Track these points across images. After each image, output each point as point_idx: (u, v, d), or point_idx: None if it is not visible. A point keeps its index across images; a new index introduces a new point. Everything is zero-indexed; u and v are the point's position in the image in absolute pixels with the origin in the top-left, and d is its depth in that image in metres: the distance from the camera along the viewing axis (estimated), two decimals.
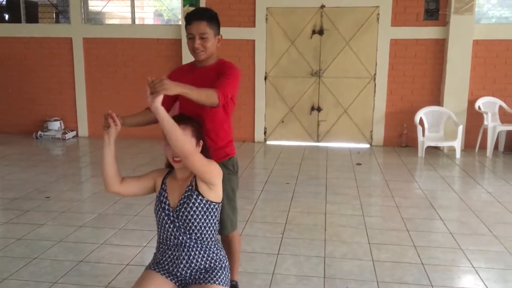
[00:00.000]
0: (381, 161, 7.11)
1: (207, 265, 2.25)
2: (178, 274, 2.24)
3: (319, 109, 8.07)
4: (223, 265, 2.30)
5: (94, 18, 8.64)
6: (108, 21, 9.14)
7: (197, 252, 2.22)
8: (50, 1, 9.32)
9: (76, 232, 4.10)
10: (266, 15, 7.86)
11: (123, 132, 2.28)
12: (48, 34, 8.51)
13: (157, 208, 2.27)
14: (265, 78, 8.05)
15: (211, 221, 2.24)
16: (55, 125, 8.44)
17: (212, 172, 2.19)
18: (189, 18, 2.56)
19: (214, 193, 2.23)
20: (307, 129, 8.16)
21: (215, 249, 2.28)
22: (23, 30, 8.56)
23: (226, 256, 2.35)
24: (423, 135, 7.30)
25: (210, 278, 2.23)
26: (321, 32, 7.84)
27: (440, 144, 7.44)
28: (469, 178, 6.12)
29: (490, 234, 4.15)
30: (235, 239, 2.92)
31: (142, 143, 7.92)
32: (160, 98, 1.95)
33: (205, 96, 2.32)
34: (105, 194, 5.46)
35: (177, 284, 2.27)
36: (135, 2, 8.35)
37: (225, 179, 2.57)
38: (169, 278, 2.25)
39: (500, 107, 7.52)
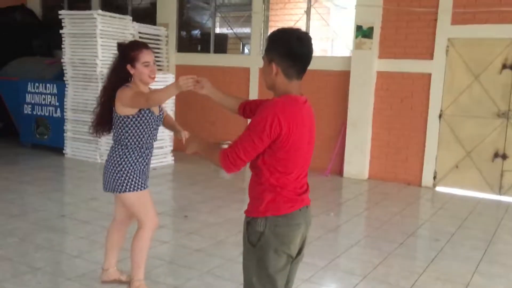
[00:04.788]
0: None
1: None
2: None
3: (504, 157, 6.80)
4: None
5: None
6: None
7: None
8: (236, 34, 10.04)
9: (190, 256, 4.13)
10: (447, 46, 7.02)
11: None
12: (230, 63, 9.13)
13: (149, 119, 3.09)
14: (440, 116, 7.15)
15: None
16: None
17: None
18: None
19: None
20: (487, 178, 6.93)
21: None
22: (209, 59, 9.36)
23: None
24: None
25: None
26: None
27: None
28: None
29: None
30: None
31: None
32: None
33: (214, 158, 2.20)
34: (235, 221, 5.33)
35: None
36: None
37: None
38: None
39: None
